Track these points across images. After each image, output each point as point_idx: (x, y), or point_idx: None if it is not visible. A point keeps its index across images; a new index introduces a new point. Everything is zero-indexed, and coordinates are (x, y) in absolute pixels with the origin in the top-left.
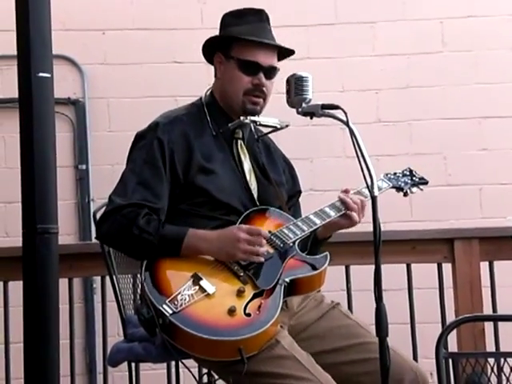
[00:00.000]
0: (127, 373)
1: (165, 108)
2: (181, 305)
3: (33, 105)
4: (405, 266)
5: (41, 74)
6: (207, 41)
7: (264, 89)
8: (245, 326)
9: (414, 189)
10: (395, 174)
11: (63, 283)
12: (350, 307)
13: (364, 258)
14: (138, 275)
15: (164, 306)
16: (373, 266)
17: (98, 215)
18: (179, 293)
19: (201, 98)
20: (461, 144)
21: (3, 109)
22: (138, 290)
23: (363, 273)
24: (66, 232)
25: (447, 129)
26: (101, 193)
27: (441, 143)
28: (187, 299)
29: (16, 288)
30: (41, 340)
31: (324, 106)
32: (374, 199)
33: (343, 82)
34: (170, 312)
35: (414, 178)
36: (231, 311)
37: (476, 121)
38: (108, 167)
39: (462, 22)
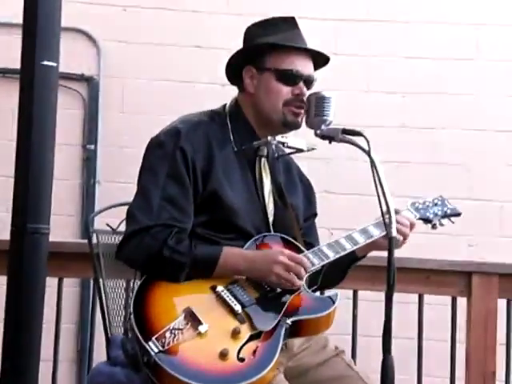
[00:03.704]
0: None
1: (182, 94)
2: (168, 343)
3: (34, 95)
4: (417, 296)
5: (45, 63)
6: (235, 54)
7: (305, 99)
8: (236, 374)
9: (445, 221)
10: (424, 202)
11: (53, 282)
12: (354, 331)
13: (374, 284)
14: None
15: (150, 343)
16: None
17: (98, 220)
18: (168, 329)
19: (224, 108)
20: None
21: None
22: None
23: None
24: (69, 213)
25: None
26: (107, 175)
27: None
28: (176, 337)
29: None
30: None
31: (345, 131)
32: (390, 240)
33: (369, 83)
34: (156, 351)
35: (445, 209)
36: (223, 355)
37: (504, 134)
38: (117, 149)
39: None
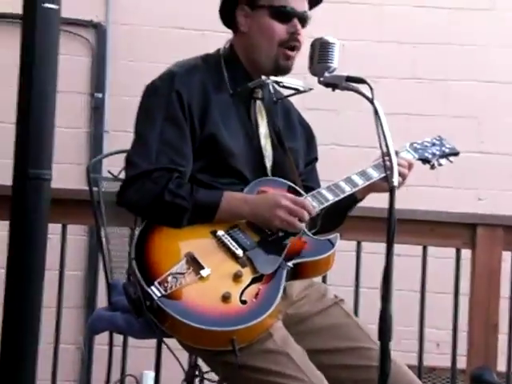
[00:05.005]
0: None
1: (190, 42)
2: (171, 287)
3: (35, 39)
4: (421, 248)
5: (47, 5)
6: None
7: (300, 37)
8: (239, 316)
9: (443, 160)
10: (423, 143)
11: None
12: (357, 283)
13: (378, 236)
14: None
15: (152, 287)
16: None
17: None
18: (170, 273)
19: (218, 51)
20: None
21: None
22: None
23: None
24: (78, 162)
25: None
26: (116, 125)
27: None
28: (178, 281)
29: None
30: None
31: (349, 79)
32: (392, 190)
33: (381, 32)
34: (159, 295)
35: (443, 148)
36: (225, 298)
37: None
38: (126, 99)
39: None
